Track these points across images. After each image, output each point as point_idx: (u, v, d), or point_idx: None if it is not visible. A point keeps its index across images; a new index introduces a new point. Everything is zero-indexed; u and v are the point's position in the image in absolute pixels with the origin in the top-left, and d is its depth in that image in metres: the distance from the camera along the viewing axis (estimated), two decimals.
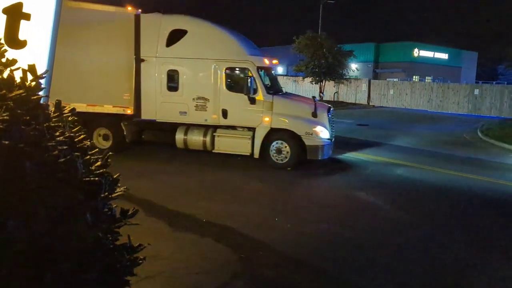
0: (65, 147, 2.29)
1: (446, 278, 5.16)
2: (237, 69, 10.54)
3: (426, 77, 43.72)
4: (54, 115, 2.50)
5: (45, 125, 2.29)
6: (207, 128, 10.72)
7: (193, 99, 10.51)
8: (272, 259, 5.36)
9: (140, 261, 2.61)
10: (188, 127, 10.79)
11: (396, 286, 4.92)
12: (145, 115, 10.84)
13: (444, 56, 48.57)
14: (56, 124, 2.44)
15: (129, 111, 10.94)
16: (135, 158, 10.77)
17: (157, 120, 10.86)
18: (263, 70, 10.62)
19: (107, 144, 11.19)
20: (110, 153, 3.01)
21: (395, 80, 37.02)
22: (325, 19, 37.91)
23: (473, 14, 44.91)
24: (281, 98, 10.69)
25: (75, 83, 10.68)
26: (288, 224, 6.63)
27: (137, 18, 10.52)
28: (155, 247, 4.02)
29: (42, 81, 2.52)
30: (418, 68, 44.49)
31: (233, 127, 10.67)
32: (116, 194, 2.56)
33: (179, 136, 10.75)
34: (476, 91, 29.67)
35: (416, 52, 45.01)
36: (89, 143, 2.63)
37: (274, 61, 10.93)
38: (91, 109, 10.86)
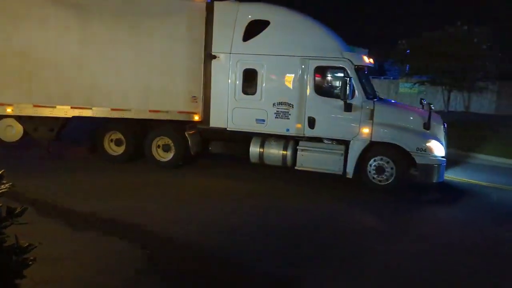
0: None
1: None
2: (330, 68, 8.61)
3: None
4: None
5: None
6: (286, 140, 8.84)
7: (274, 104, 8.65)
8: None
9: (30, 262, 2.57)
10: (265, 138, 8.95)
11: None
12: (215, 122, 9.07)
13: None
14: None
15: (196, 118, 9.24)
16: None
17: (228, 129, 9.07)
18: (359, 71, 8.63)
19: (167, 156, 9.50)
20: None
21: None
22: None
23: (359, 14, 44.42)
24: (384, 105, 8.66)
25: (135, 86, 9.14)
26: None
27: (210, 6, 8.83)
28: (57, 248, 4.74)
29: None
30: None
31: (318, 139, 8.73)
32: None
33: (254, 149, 8.91)
34: None
35: None
36: None
37: (371, 60, 8.91)
38: (154, 116, 9.24)
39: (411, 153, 8.04)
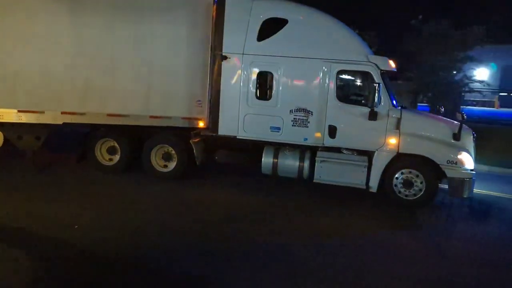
0: None
1: None
2: (354, 73, 7.90)
3: None
4: None
5: None
6: (302, 150, 8.09)
7: (291, 111, 7.87)
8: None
9: None
10: (278, 148, 8.16)
11: None
12: (224, 129, 8.20)
13: None
14: None
15: (201, 124, 8.35)
16: None
17: (237, 137, 8.23)
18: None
19: (169, 166, 8.57)
20: None
21: None
22: None
23: None
24: (412, 113, 8.06)
25: (134, 88, 8.21)
26: None
27: (220, 1, 7.95)
28: None
29: None
30: None
31: (336, 149, 8.02)
32: None
33: (268, 160, 8.11)
34: None
35: None
36: None
37: (395, 65, 8.27)
38: (155, 122, 8.29)
39: (441, 166, 7.44)
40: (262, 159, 8.13)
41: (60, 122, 8.14)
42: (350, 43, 7.80)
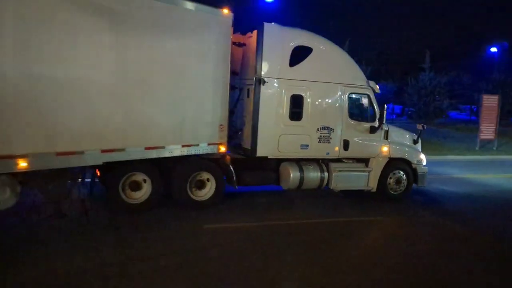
0: None
1: None
2: (359, 95, 9.43)
3: None
4: None
5: None
6: (318, 163, 9.21)
7: (317, 129, 8.85)
8: None
9: None
10: (299, 163, 9.00)
11: None
12: (262, 151, 8.45)
13: None
14: None
15: (222, 149, 8.30)
16: None
17: (269, 157, 8.62)
18: None
19: (206, 194, 8.16)
20: None
21: None
22: None
23: None
24: (392, 127, 10.17)
25: (171, 117, 7.61)
26: None
27: (261, 28, 8.11)
28: None
29: None
30: None
31: (339, 160, 9.51)
32: None
33: (295, 174, 8.83)
34: None
35: None
36: None
37: None
38: (185, 151, 7.77)
39: (413, 164, 9.97)
40: (291, 175, 8.78)
41: (101, 162, 6.68)
42: (356, 71, 9.35)
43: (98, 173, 7.70)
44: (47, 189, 6.62)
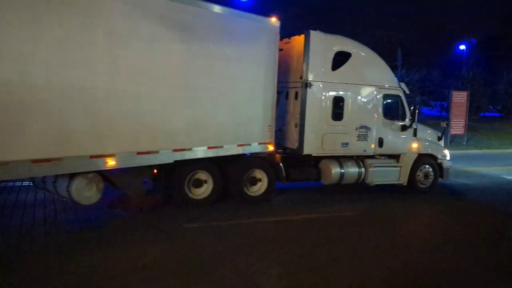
0: None
1: None
2: (392, 96, 10.15)
3: None
4: None
5: None
6: (354, 159, 9.90)
7: (356, 128, 9.56)
8: None
9: None
10: (338, 160, 9.68)
11: None
12: (308, 149, 9.13)
13: None
14: None
15: (270, 148, 8.94)
16: None
17: (313, 154, 9.30)
18: None
19: (258, 189, 8.81)
20: None
21: None
22: None
23: None
24: (419, 124, 10.92)
25: (229, 119, 8.23)
26: None
27: (307, 35, 8.79)
28: None
29: None
30: None
31: (372, 156, 10.23)
32: None
33: (336, 170, 9.51)
34: None
35: None
36: None
37: None
38: (240, 150, 8.42)
39: (439, 160, 10.75)
40: (332, 171, 9.46)
41: (172, 161, 7.28)
42: (389, 73, 10.09)
43: (155, 172, 8.27)
44: (125, 185, 7.18)
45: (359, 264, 5.95)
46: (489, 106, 41.36)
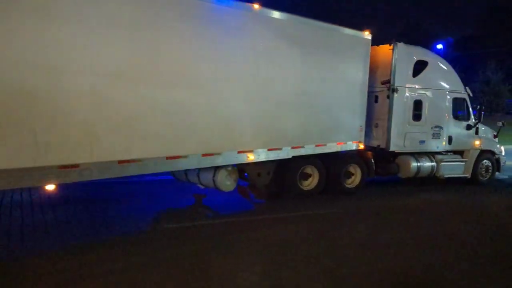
0: None
1: None
2: (459, 99, 11.43)
3: None
4: None
5: None
6: (428, 156, 11.13)
7: (432, 128, 10.83)
8: None
9: None
10: (414, 155, 10.93)
11: None
12: (394, 146, 10.39)
13: None
14: None
15: (361, 146, 10.19)
16: None
17: (396, 151, 10.57)
18: None
19: (352, 182, 10.05)
20: None
21: None
22: None
23: None
24: (479, 124, 12.24)
25: (332, 121, 9.53)
26: None
27: (395, 46, 10.06)
28: None
29: None
30: None
31: (440, 153, 11.49)
32: None
33: (414, 165, 10.78)
34: None
35: None
36: None
37: None
38: (339, 148, 9.69)
39: (496, 155, 12.06)
40: (411, 165, 10.73)
41: (290, 156, 8.62)
42: (457, 79, 11.36)
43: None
44: (255, 176, 8.45)
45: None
46: None
